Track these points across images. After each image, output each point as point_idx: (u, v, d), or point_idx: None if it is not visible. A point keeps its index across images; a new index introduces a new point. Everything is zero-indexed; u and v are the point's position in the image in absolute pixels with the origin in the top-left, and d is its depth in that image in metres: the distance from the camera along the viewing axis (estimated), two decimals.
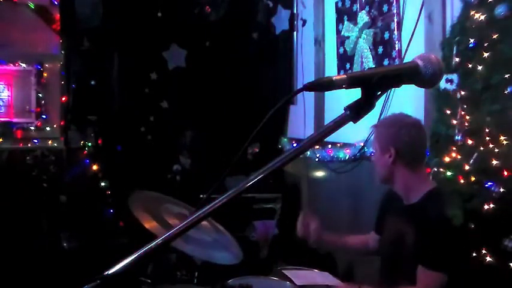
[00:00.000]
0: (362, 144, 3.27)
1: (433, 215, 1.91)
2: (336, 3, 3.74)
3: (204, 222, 2.13)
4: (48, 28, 4.32)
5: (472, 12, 2.23)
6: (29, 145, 4.34)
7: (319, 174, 4.06)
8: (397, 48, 3.02)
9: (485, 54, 2.15)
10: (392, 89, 0.95)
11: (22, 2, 4.23)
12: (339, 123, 0.90)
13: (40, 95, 4.42)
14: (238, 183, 0.87)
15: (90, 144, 4.34)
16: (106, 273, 0.81)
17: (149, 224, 1.96)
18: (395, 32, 3.03)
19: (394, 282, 2.03)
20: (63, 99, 4.39)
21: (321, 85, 0.93)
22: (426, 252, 1.89)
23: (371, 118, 3.01)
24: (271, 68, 4.67)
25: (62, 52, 4.34)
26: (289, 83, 4.57)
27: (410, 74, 0.91)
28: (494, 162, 2.10)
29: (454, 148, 2.30)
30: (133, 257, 0.83)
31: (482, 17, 2.17)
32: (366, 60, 3.36)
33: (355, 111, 0.89)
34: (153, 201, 2.28)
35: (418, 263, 1.90)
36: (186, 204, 2.38)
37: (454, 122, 2.31)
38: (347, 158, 3.48)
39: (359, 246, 2.49)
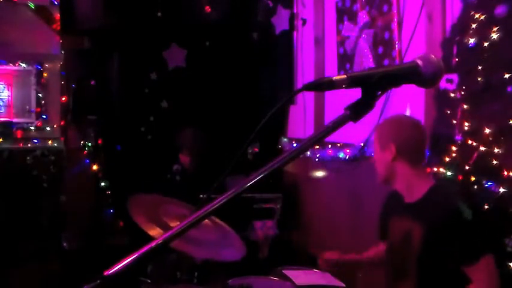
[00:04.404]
0: (362, 144, 3.27)
1: (443, 210, 1.90)
2: (336, 3, 3.74)
3: (205, 220, 2.12)
4: (48, 28, 4.32)
5: (472, 12, 2.23)
6: (29, 145, 4.34)
7: (319, 174, 4.07)
8: (397, 48, 3.02)
9: (485, 54, 2.15)
10: (392, 88, 0.95)
11: (22, 2, 4.23)
12: (339, 123, 0.90)
13: (40, 95, 4.42)
14: (238, 183, 0.87)
15: (90, 144, 4.34)
16: (106, 273, 0.81)
17: (153, 232, 1.96)
18: (395, 32, 3.03)
19: (405, 282, 2.02)
20: (63, 99, 4.39)
21: (321, 85, 0.93)
22: (463, 250, 1.85)
23: (371, 118, 3.02)
24: (271, 68, 4.67)
25: (62, 52, 4.34)
26: (289, 83, 4.57)
27: (410, 74, 0.91)
28: (494, 162, 2.10)
29: (454, 148, 2.30)
30: (133, 257, 0.83)
31: (482, 17, 2.18)
32: (366, 60, 3.37)
33: (355, 111, 0.89)
34: (152, 205, 2.27)
35: (465, 264, 1.85)
36: (185, 203, 2.38)
37: (454, 122, 2.32)
38: (347, 158, 3.48)
39: (375, 258, 2.45)
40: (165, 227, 2.00)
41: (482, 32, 2.17)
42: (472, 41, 2.23)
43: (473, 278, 1.84)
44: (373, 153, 2.22)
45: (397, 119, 2.24)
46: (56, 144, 4.39)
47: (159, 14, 4.42)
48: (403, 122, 2.16)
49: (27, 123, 4.40)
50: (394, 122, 2.17)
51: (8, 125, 4.32)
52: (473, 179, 2.19)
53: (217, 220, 2.33)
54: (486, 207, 2.09)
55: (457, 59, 2.32)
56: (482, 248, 1.87)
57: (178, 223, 2.06)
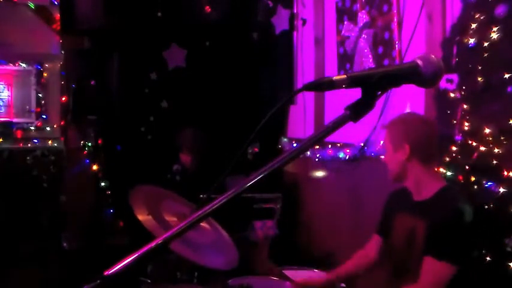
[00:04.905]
0: (362, 144, 3.27)
1: (448, 210, 1.91)
2: (336, 3, 3.74)
3: (202, 223, 2.12)
4: (48, 28, 4.32)
5: (472, 12, 2.23)
6: (29, 145, 4.34)
7: (319, 174, 4.07)
8: (397, 48, 3.02)
9: (485, 54, 2.15)
10: (392, 88, 0.95)
11: (22, 2, 4.23)
12: (339, 123, 0.90)
13: (40, 95, 4.43)
14: (238, 183, 0.87)
15: (90, 144, 4.34)
16: (106, 273, 0.81)
17: (143, 218, 1.97)
18: (395, 32, 3.03)
19: (407, 279, 2.02)
20: (63, 99, 4.39)
21: (321, 85, 0.93)
22: (440, 244, 1.88)
23: (371, 118, 3.02)
24: (271, 68, 4.67)
25: (62, 52, 4.34)
26: (289, 83, 4.57)
27: (410, 74, 0.91)
28: (494, 162, 2.10)
29: (454, 148, 2.30)
30: (133, 257, 0.83)
31: (482, 17, 2.18)
32: (366, 60, 3.37)
33: (355, 111, 0.89)
34: (154, 196, 2.28)
35: (427, 254, 1.89)
36: (186, 200, 2.38)
37: (454, 122, 2.32)
38: (347, 158, 3.48)
39: (360, 266, 2.43)
40: (159, 219, 2.01)
41: (482, 32, 2.17)
42: (472, 41, 2.23)
43: (425, 272, 1.88)
44: (380, 153, 2.21)
45: (409, 117, 2.21)
46: (56, 144, 4.39)
47: (159, 14, 4.42)
48: (416, 120, 2.14)
49: (27, 123, 4.40)
50: (406, 121, 2.15)
51: (8, 125, 4.32)
52: (473, 179, 2.19)
53: (218, 226, 2.33)
54: (486, 207, 2.09)
55: (457, 59, 2.33)
56: (454, 255, 1.88)
57: (174, 219, 2.07)
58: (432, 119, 2.21)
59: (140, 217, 1.97)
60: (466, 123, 2.25)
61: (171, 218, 2.11)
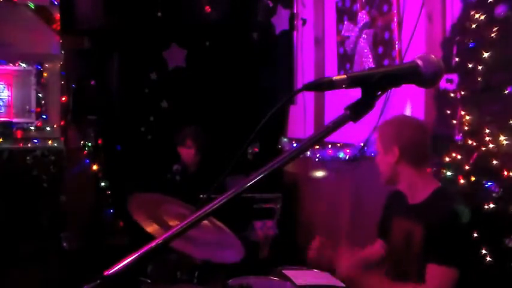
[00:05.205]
0: (362, 144, 3.27)
1: (442, 213, 1.91)
2: (336, 3, 3.74)
3: (204, 222, 2.12)
4: (48, 28, 4.32)
5: (472, 12, 2.23)
6: (29, 145, 4.34)
7: (319, 174, 4.07)
8: (397, 48, 3.02)
9: (485, 54, 2.15)
10: (392, 88, 0.95)
11: (22, 2, 4.23)
12: (339, 123, 0.90)
13: (40, 95, 4.43)
14: (238, 183, 0.87)
15: (90, 144, 4.34)
16: (106, 273, 0.81)
17: (151, 228, 1.96)
18: (395, 32, 3.03)
19: (406, 281, 2.02)
20: (63, 99, 4.39)
21: (321, 85, 0.93)
22: (437, 248, 1.88)
23: (371, 118, 3.02)
24: (271, 68, 4.67)
25: (62, 52, 4.34)
26: (289, 83, 4.57)
27: (410, 74, 0.91)
28: (494, 162, 2.10)
29: (454, 148, 2.30)
30: (133, 257, 0.83)
31: (482, 17, 2.18)
32: (366, 60, 3.37)
33: (355, 111, 0.89)
34: (152, 204, 2.28)
35: (428, 261, 1.89)
36: (185, 204, 2.38)
37: (454, 122, 2.32)
38: (347, 158, 3.48)
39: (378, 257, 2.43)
40: (165, 226, 2.01)
41: (482, 32, 2.17)
42: (472, 41, 2.23)
43: (430, 279, 1.88)
44: (375, 154, 2.21)
45: (400, 120, 2.22)
46: (56, 144, 4.39)
47: (159, 14, 4.42)
48: (406, 123, 2.15)
49: (27, 123, 4.40)
50: (396, 123, 2.15)
51: (8, 125, 4.32)
52: (473, 179, 2.19)
53: (217, 222, 2.33)
54: (486, 207, 2.09)
55: (457, 59, 2.33)
56: (456, 259, 1.88)
57: (177, 222, 2.07)
58: (424, 122, 2.20)
59: (147, 228, 1.96)
60: (466, 123, 2.26)
61: (173, 222, 2.11)
